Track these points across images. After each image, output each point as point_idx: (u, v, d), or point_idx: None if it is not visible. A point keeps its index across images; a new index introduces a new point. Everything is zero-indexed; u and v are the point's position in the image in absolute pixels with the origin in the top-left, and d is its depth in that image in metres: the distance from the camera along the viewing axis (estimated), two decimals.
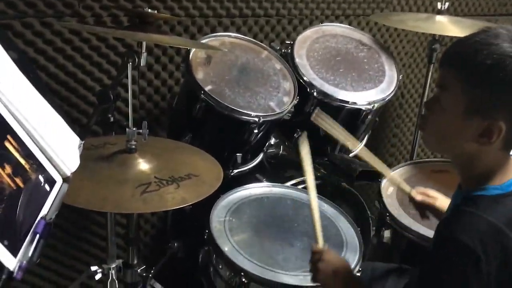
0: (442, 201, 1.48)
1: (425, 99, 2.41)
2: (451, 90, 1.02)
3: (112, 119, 1.74)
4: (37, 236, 0.92)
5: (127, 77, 1.57)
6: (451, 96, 1.02)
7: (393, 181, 1.69)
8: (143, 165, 1.31)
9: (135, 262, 1.46)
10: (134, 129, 1.33)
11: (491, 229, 0.97)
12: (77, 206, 1.12)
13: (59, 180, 1.05)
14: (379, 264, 1.67)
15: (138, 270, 1.44)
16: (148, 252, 2.32)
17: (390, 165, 2.94)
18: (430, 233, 1.71)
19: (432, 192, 1.52)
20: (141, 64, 1.58)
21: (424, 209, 1.52)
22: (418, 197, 1.51)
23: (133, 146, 1.33)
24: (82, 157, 1.14)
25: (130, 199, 1.17)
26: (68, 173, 1.07)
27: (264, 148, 2.07)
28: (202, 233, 1.59)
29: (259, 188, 1.81)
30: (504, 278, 0.98)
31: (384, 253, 1.90)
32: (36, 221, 0.91)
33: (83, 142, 1.23)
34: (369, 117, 2.02)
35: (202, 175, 1.33)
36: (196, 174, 1.32)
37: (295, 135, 2.08)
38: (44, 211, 0.97)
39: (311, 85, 1.98)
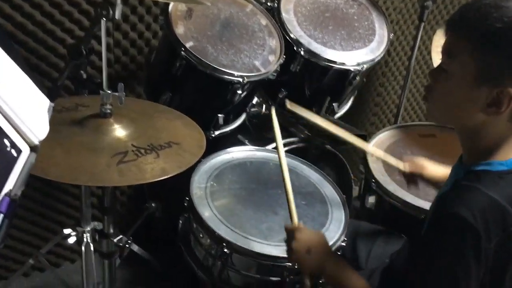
0: (431, 169, 1.45)
1: (413, 61, 2.33)
2: (459, 57, 0.96)
3: (85, 76, 1.62)
4: (1, 216, 0.83)
5: (100, 29, 1.44)
6: (459, 63, 0.96)
7: (377, 156, 1.63)
8: (119, 131, 1.21)
9: (111, 231, 1.38)
10: (109, 91, 1.21)
11: (493, 206, 0.93)
12: (47, 178, 1.02)
13: (25, 149, 0.94)
14: (365, 224, 1.65)
15: (115, 240, 1.36)
16: (125, 212, 2.25)
17: (373, 125, 2.93)
18: (415, 200, 1.70)
19: (420, 161, 1.48)
20: (116, 17, 1.45)
21: (413, 179, 1.49)
22: (407, 169, 1.47)
23: (108, 111, 1.22)
24: (52, 121, 1.03)
25: (105, 170, 1.08)
26: (36, 142, 0.96)
27: (247, 108, 1.98)
28: (181, 194, 1.51)
29: (242, 152, 1.74)
30: (502, 257, 0.95)
31: (367, 218, 1.87)
32: None
33: (52, 104, 1.13)
34: (357, 78, 1.94)
35: (183, 142, 1.24)
36: (176, 142, 1.23)
37: (279, 95, 1.99)
38: (8, 186, 0.87)
39: (298, 43, 1.87)
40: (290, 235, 1.23)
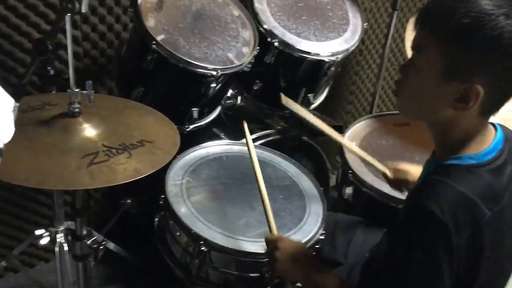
0: (415, 174, 1.42)
1: (387, 49, 2.33)
2: (427, 52, 0.95)
3: (52, 72, 1.57)
4: None
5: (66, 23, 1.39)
6: (427, 58, 0.95)
7: (366, 162, 1.61)
8: (89, 131, 1.17)
9: (84, 233, 1.34)
10: (77, 90, 1.16)
11: (462, 200, 0.93)
12: (13, 183, 0.98)
13: None
14: (342, 216, 1.65)
15: (88, 242, 1.33)
16: (100, 209, 2.21)
17: (349, 113, 2.93)
18: (392, 190, 1.69)
19: (403, 166, 1.47)
20: (83, 10, 1.40)
21: (399, 185, 1.48)
22: (390, 175, 1.48)
23: (77, 110, 1.17)
24: (17, 121, 0.98)
25: (75, 173, 1.04)
26: (1, 145, 0.92)
27: (222, 101, 1.95)
28: (157, 189, 1.48)
29: (218, 147, 1.71)
30: (474, 251, 0.95)
31: (345, 209, 1.87)
32: None
33: (17, 104, 1.08)
34: (332, 68, 1.92)
35: (156, 140, 1.20)
36: (149, 140, 1.19)
37: (254, 86, 1.97)
38: None
39: (272, 34, 1.84)
40: (272, 245, 1.22)
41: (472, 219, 0.93)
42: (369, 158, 1.57)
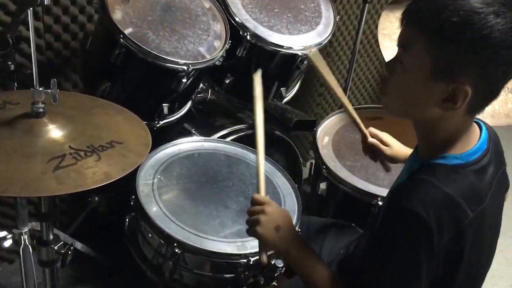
0: (397, 150, 1.38)
1: (358, 42, 2.32)
2: (414, 50, 0.92)
3: (12, 67, 1.48)
4: None
5: (27, 16, 1.31)
6: (414, 56, 0.93)
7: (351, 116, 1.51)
8: (55, 132, 1.10)
9: (51, 238, 1.28)
10: (40, 88, 1.09)
11: (446, 201, 0.92)
12: None
13: None
14: (315, 219, 1.62)
15: (55, 247, 1.27)
16: (66, 207, 2.13)
17: (319, 105, 2.92)
18: (366, 186, 1.70)
19: (386, 137, 1.41)
20: (46, 2, 1.32)
21: (374, 153, 1.41)
22: (370, 139, 1.40)
23: (41, 110, 1.10)
24: None
25: (40, 178, 0.98)
26: None
27: (193, 96, 1.90)
28: (126, 185, 1.41)
29: (189, 143, 1.67)
30: (454, 252, 0.95)
31: (319, 204, 1.87)
32: None
33: None
34: (305, 62, 1.89)
35: (127, 141, 1.14)
36: (119, 141, 1.13)
37: (225, 80, 1.92)
38: None
39: (244, 27, 1.80)
40: (258, 207, 1.12)
41: (455, 221, 0.92)
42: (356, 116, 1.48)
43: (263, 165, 1.23)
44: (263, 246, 1.13)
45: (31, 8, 1.15)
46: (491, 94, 0.94)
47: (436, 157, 0.98)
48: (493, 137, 1.05)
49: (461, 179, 0.95)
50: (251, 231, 1.12)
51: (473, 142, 1.00)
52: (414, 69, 0.93)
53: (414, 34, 0.92)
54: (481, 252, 1.03)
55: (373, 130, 1.43)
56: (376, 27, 2.43)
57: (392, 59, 0.99)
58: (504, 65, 0.89)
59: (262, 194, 1.18)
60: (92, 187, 0.99)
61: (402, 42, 0.95)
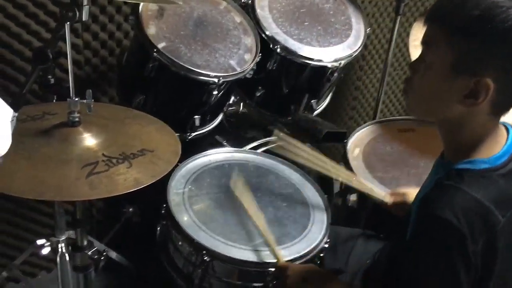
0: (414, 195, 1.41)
1: (390, 54, 2.31)
2: (436, 46, 0.94)
3: (52, 81, 1.55)
4: None
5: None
6: (437, 52, 0.94)
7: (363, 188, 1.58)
8: (89, 140, 1.15)
9: (85, 244, 1.32)
10: (76, 99, 1.15)
11: (477, 207, 0.91)
12: (11, 194, 0.96)
13: None
14: (343, 229, 1.62)
15: (89, 253, 1.31)
16: (102, 217, 2.19)
17: (352, 119, 2.91)
18: None
19: (403, 190, 1.46)
20: (83, 19, 1.39)
21: (400, 209, 1.45)
22: (390, 201, 1.46)
23: (76, 119, 1.16)
24: (16, 131, 0.97)
25: (74, 183, 1.02)
26: None
27: (224, 108, 1.93)
28: (159, 196, 1.45)
29: (220, 154, 1.69)
30: (488, 257, 0.93)
31: (349, 216, 1.85)
32: None
33: (16, 114, 1.06)
34: (335, 74, 1.90)
35: (157, 150, 1.19)
36: (150, 150, 1.17)
37: (256, 93, 1.95)
38: None
39: (274, 41, 1.83)
40: (280, 275, 1.22)
41: (486, 226, 0.91)
42: (367, 189, 1.54)
43: (270, 235, 1.33)
44: None
45: (68, 23, 1.20)
46: None
47: (462, 162, 0.97)
48: None
49: (490, 184, 0.94)
50: None
51: (500, 145, 0.98)
52: (436, 65, 0.94)
53: (435, 30, 0.94)
54: None
55: (389, 191, 1.49)
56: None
57: (416, 58, 1.00)
58: None
59: (281, 260, 1.28)
60: (122, 193, 1.03)
61: (425, 40, 0.97)
